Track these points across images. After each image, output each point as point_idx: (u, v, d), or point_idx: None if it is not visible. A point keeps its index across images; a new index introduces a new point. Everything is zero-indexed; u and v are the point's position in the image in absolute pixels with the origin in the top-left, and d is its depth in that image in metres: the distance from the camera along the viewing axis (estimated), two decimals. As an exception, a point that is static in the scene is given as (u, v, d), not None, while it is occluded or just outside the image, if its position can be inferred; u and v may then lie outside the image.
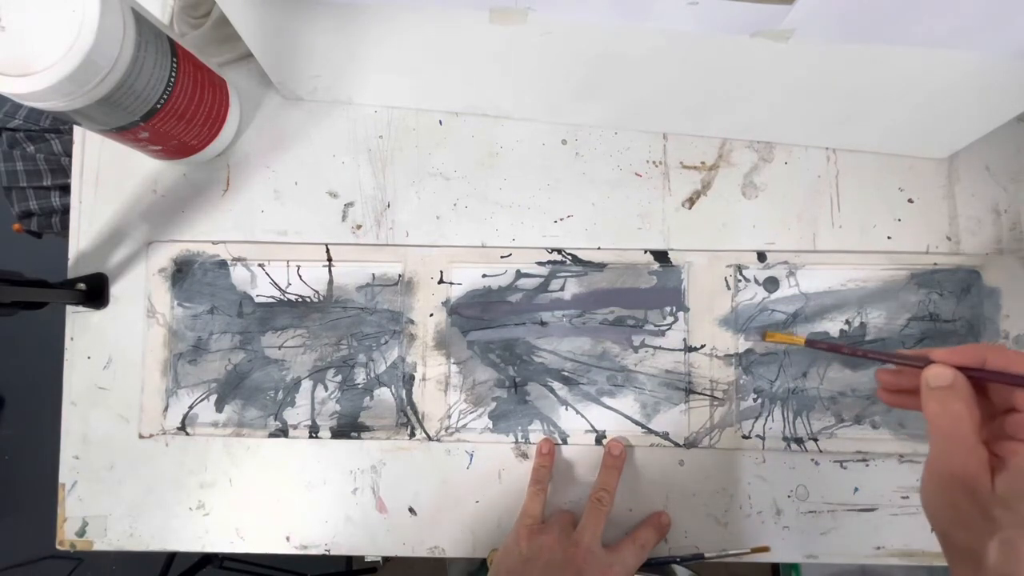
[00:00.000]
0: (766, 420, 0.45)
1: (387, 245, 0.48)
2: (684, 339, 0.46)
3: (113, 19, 0.33)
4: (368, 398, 0.47)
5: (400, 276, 0.47)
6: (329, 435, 0.47)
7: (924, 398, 0.29)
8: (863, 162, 0.47)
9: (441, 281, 0.47)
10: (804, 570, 0.93)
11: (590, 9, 0.32)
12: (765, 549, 0.44)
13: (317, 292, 0.47)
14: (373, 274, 0.47)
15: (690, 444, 0.46)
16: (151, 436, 0.47)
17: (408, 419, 0.46)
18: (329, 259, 0.47)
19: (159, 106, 0.39)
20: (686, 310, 0.46)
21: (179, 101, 0.40)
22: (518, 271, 0.47)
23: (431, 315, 0.47)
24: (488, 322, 0.47)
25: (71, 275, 0.48)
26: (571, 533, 0.42)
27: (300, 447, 0.47)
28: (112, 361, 0.48)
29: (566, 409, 0.46)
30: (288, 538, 0.47)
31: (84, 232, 0.48)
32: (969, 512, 0.27)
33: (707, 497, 0.46)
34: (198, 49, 0.42)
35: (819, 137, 0.47)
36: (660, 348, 0.46)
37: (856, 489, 0.45)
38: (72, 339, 0.48)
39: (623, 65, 0.38)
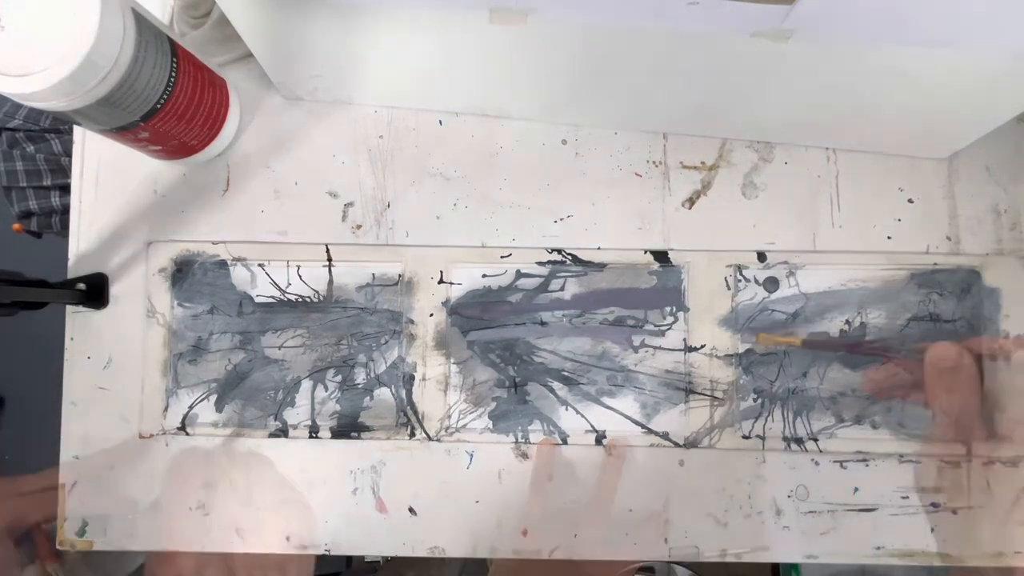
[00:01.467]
0: (766, 420, 0.45)
1: (387, 245, 0.48)
2: (684, 339, 0.46)
3: (113, 19, 0.33)
4: (368, 398, 0.47)
5: (400, 276, 0.47)
6: (329, 435, 0.47)
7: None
8: (863, 162, 0.47)
9: (441, 281, 0.47)
10: (804, 570, 0.93)
11: (590, 9, 0.32)
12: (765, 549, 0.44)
13: (317, 292, 0.47)
14: (373, 274, 0.47)
15: (690, 444, 0.46)
16: (151, 436, 0.47)
17: (408, 419, 0.46)
18: (329, 259, 0.47)
19: (159, 106, 0.39)
20: (686, 310, 0.46)
21: (179, 101, 0.40)
22: (518, 271, 0.47)
23: (431, 315, 0.47)
24: (488, 322, 0.47)
25: (71, 275, 0.48)
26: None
27: (300, 447, 0.47)
28: (112, 361, 0.48)
29: (566, 409, 0.46)
30: (288, 538, 0.47)
31: (84, 232, 0.48)
32: None
33: (707, 497, 0.46)
34: (198, 49, 0.42)
35: (819, 137, 0.47)
36: (660, 348, 0.46)
37: (856, 489, 0.45)
38: (72, 339, 0.48)
39: (623, 65, 0.38)
